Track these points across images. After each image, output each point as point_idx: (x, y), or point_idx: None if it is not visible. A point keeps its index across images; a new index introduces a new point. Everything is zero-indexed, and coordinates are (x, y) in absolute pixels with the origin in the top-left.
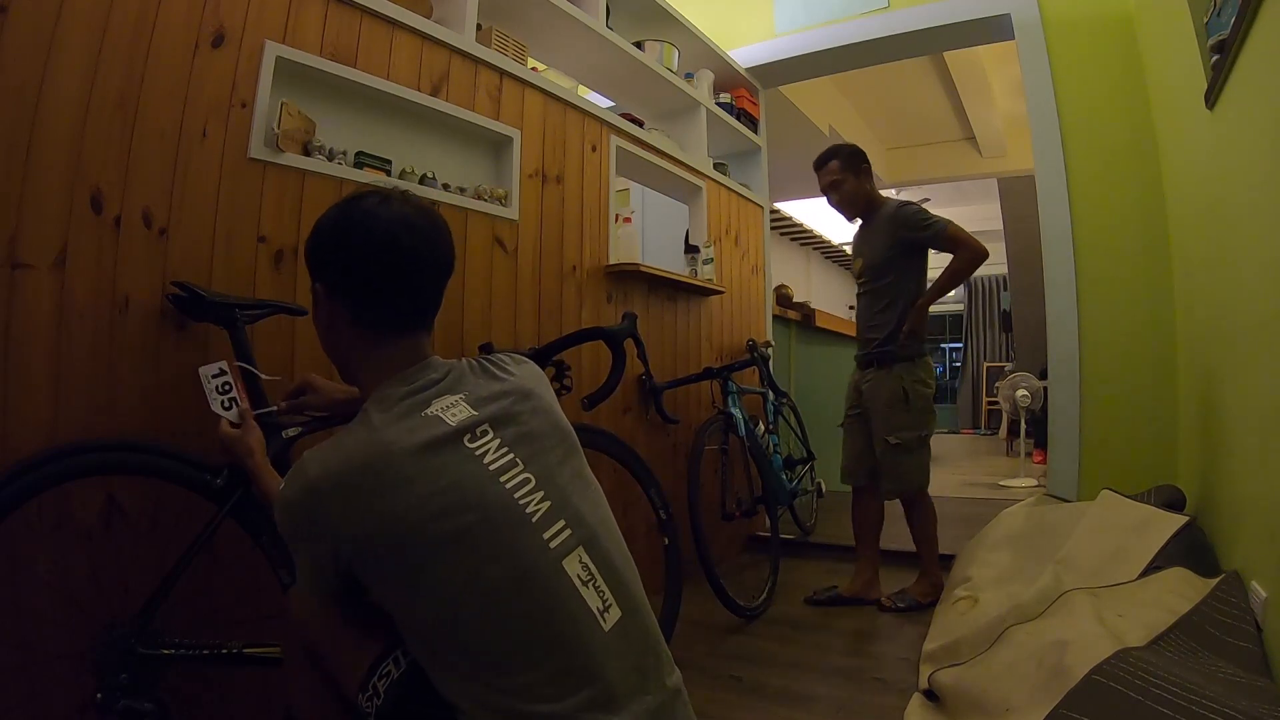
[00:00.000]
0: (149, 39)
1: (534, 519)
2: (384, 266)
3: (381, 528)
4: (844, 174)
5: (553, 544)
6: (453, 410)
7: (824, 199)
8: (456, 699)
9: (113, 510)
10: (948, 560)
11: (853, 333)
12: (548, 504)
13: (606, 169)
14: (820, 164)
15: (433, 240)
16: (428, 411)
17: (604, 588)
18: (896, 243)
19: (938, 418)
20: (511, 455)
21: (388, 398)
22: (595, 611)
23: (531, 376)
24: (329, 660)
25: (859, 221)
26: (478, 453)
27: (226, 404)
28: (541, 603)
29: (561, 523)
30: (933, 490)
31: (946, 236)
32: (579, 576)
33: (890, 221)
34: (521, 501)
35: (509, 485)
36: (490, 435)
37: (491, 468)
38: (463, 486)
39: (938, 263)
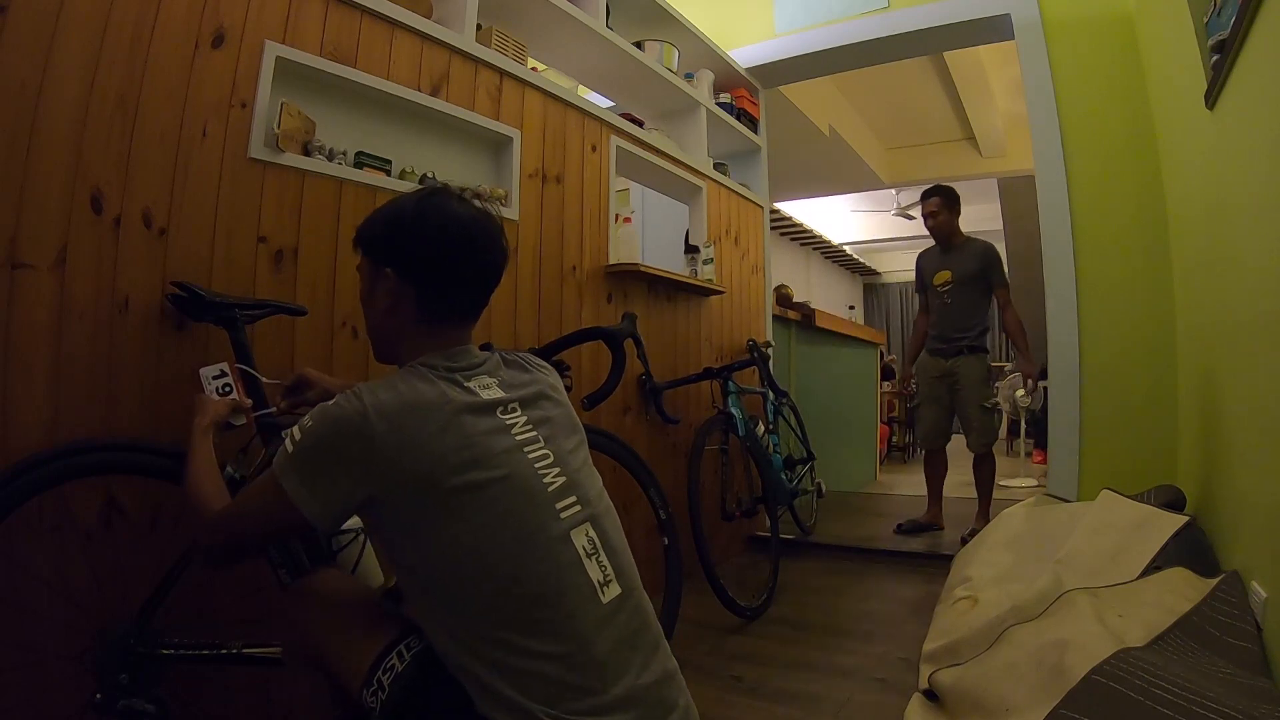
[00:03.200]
0: (149, 39)
1: (550, 489)
2: (460, 258)
3: (417, 468)
4: (942, 208)
5: (564, 514)
6: (488, 390)
7: (818, 200)
8: (457, 658)
9: (113, 510)
10: (947, 561)
11: (854, 333)
12: (562, 479)
13: (606, 169)
14: (926, 196)
15: (498, 241)
16: (468, 385)
17: (606, 563)
18: (982, 271)
19: None
20: (535, 432)
21: (433, 365)
22: (596, 583)
23: (552, 375)
24: (331, 654)
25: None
26: (508, 423)
27: None
28: (547, 565)
29: (573, 498)
30: None
31: (1005, 291)
32: (584, 549)
33: (985, 254)
34: (540, 472)
35: (531, 456)
36: (518, 412)
37: (518, 438)
38: (493, 447)
39: None
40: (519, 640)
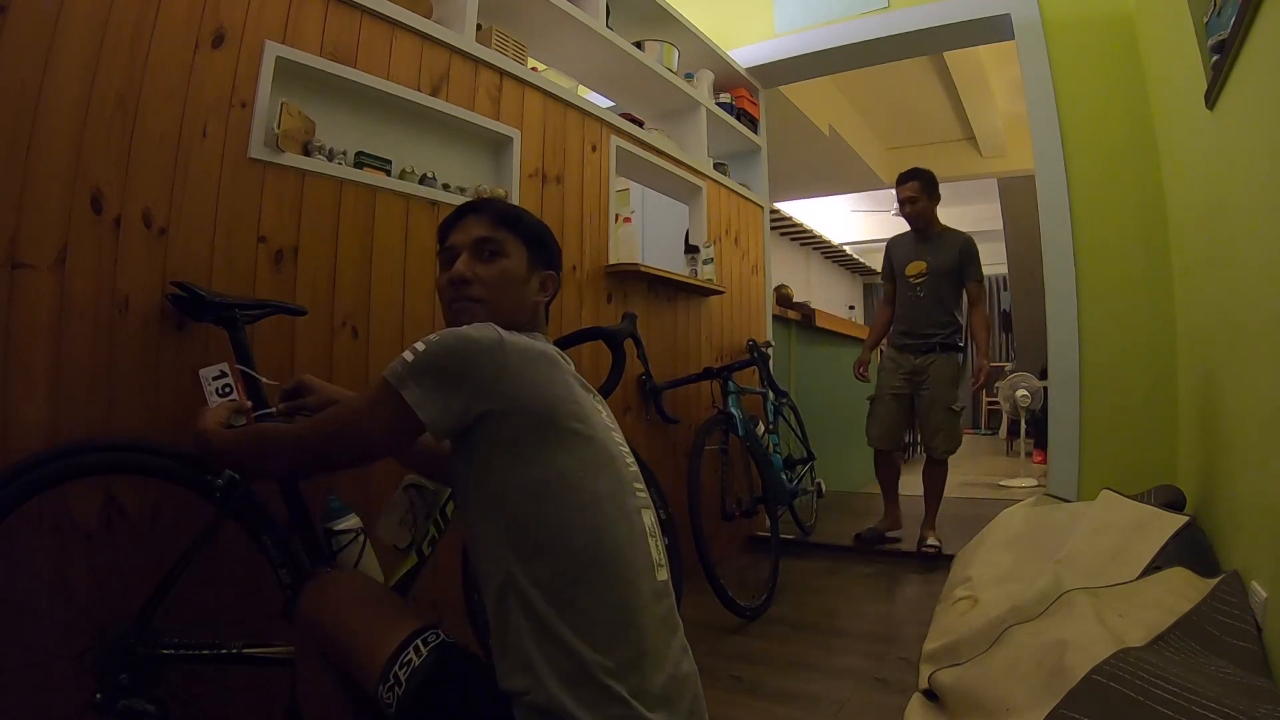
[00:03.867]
0: (149, 39)
1: (629, 468)
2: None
3: (540, 400)
4: (920, 194)
5: (638, 493)
6: (578, 377)
7: (818, 200)
8: (517, 588)
9: (113, 510)
10: (947, 560)
11: (854, 333)
12: (635, 467)
13: (606, 169)
14: (909, 178)
15: None
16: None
17: (661, 548)
18: (958, 264)
19: None
20: (614, 425)
21: (541, 337)
22: (654, 562)
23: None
24: (346, 650)
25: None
26: (598, 406)
27: None
28: (625, 527)
29: (642, 484)
30: None
31: (979, 286)
32: (650, 528)
33: (963, 247)
34: (624, 454)
35: (616, 439)
36: (602, 405)
37: (607, 423)
38: (594, 416)
39: None
40: (587, 580)
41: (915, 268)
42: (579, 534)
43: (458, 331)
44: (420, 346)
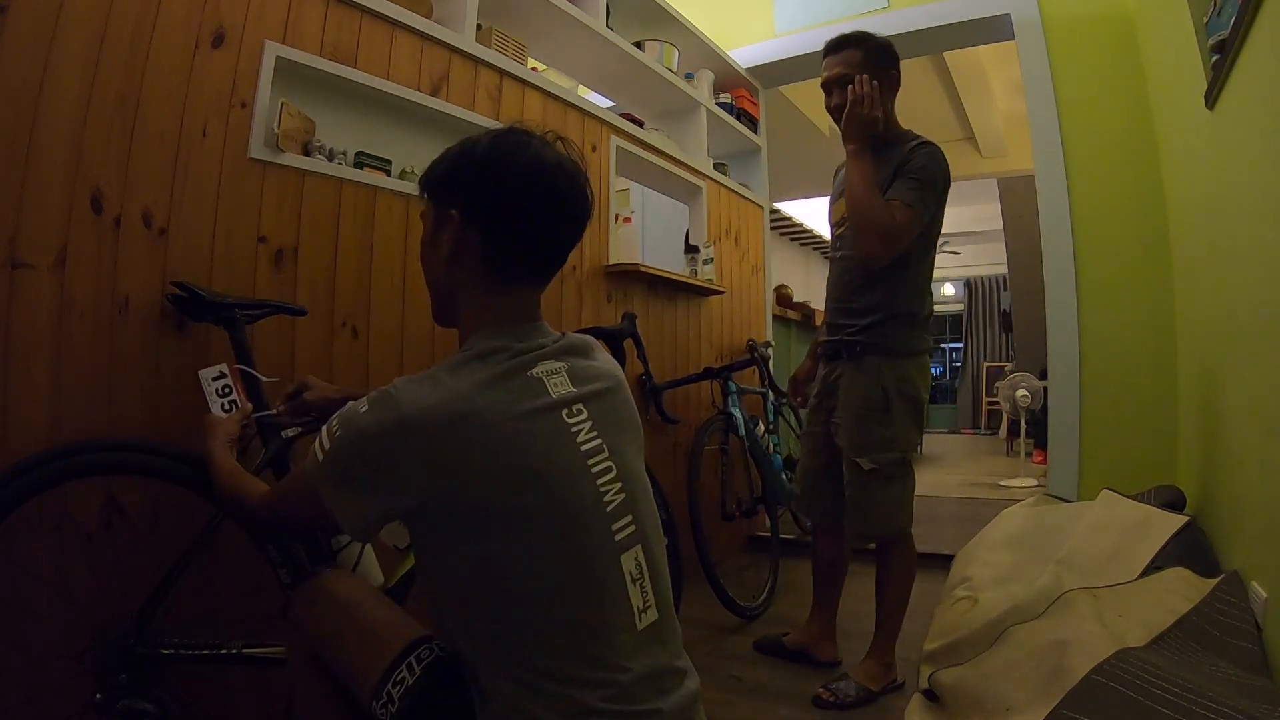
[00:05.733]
0: (149, 39)
1: (609, 508)
2: (535, 207)
3: (464, 486)
4: (863, 72)
5: (618, 536)
6: (556, 379)
7: (818, 200)
8: (484, 670)
9: (113, 510)
10: (947, 561)
11: None
12: (622, 496)
13: (606, 169)
14: (836, 48)
15: (584, 195)
16: (533, 373)
17: (649, 588)
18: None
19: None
20: (599, 440)
21: (495, 351)
22: (635, 610)
23: (617, 366)
24: (340, 664)
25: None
26: (572, 428)
27: (227, 406)
28: (593, 592)
29: (629, 517)
30: (932, 490)
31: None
32: (631, 573)
33: (906, 157)
34: (602, 489)
35: (594, 470)
36: (584, 415)
37: (583, 448)
38: (555, 463)
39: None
40: (551, 662)
41: (838, 211)
42: (537, 618)
43: (351, 422)
44: (326, 443)
